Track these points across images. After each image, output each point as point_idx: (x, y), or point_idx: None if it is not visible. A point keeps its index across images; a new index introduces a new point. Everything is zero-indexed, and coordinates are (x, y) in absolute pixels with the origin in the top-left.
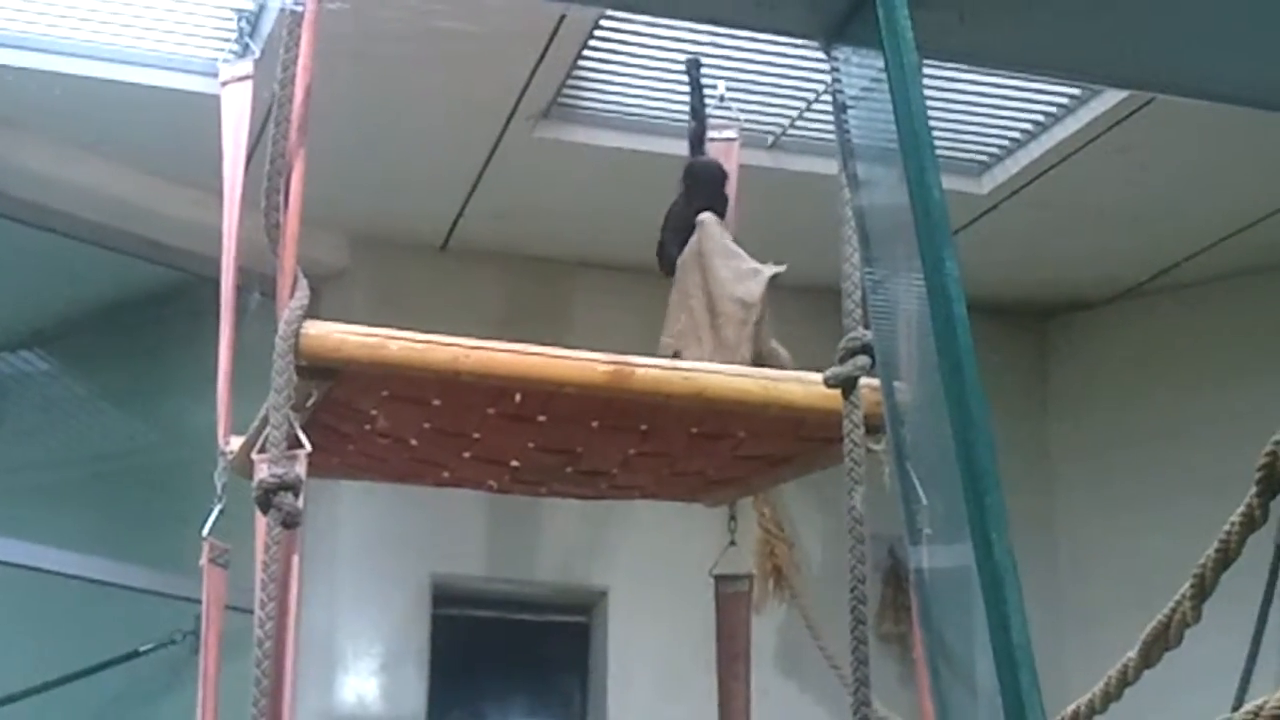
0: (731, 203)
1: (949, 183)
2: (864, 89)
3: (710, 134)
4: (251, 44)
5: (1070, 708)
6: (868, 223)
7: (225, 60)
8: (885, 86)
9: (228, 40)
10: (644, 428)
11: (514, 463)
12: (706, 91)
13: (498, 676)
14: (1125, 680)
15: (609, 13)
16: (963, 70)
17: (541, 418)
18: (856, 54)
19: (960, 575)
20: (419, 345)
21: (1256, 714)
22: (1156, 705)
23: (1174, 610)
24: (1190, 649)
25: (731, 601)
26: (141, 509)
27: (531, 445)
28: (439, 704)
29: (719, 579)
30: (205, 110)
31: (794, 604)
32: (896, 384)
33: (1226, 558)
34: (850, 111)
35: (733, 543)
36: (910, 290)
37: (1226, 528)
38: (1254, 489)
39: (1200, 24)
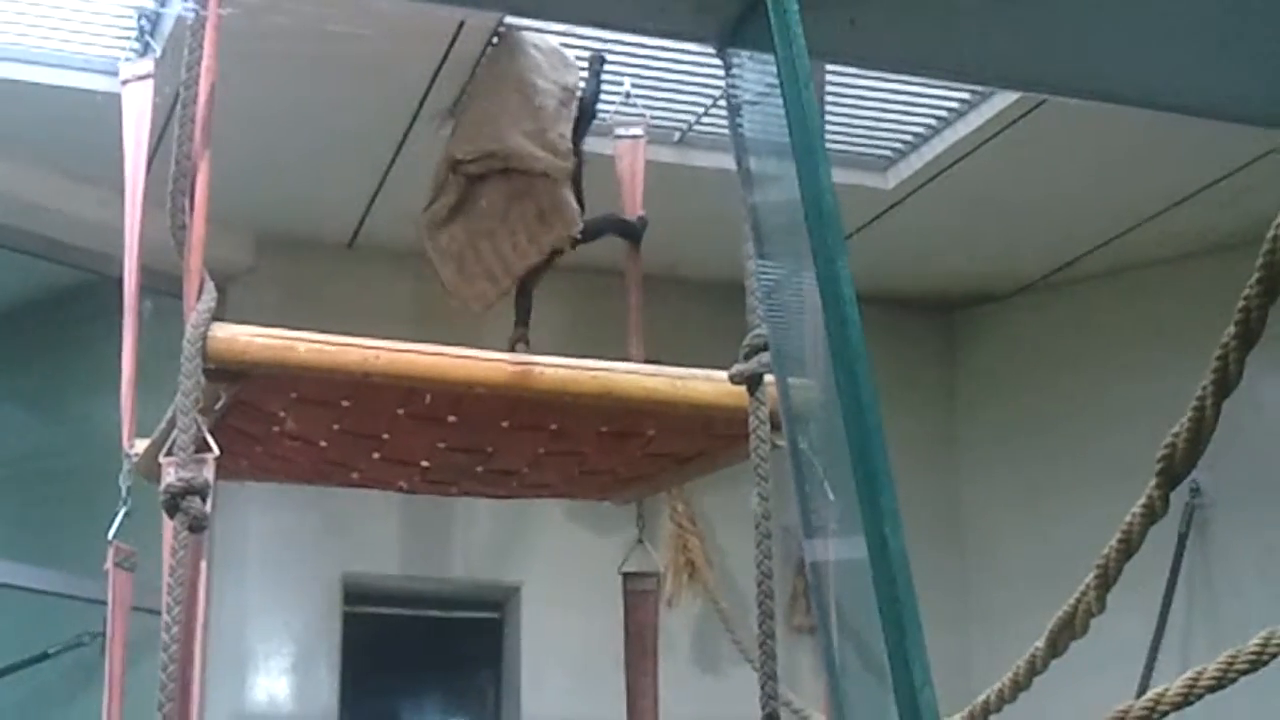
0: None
1: (854, 178)
2: (758, 92)
3: (617, 131)
4: (152, 42)
5: (980, 698)
6: (762, 222)
7: (126, 59)
8: (778, 89)
9: (128, 38)
10: (553, 426)
11: (424, 463)
12: (613, 88)
13: (411, 673)
14: (1034, 670)
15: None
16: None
17: (451, 418)
18: (750, 58)
19: (857, 568)
20: (328, 347)
21: (1157, 702)
22: (1062, 691)
23: (1079, 600)
24: (1096, 636)
25: (640, 599)
26: (47, 511)
27: (442, 445)
28: (351, 702)
29: (627, 576)
30: (106, 109)
31: (708, 597)
32: (793, 380)
33: (1129, 549)
34: (745, 113)
35: (640, 540)
36: (806, 288)
37: (1128, 519)
38: (1153, 481)
39: (1082, 27)
